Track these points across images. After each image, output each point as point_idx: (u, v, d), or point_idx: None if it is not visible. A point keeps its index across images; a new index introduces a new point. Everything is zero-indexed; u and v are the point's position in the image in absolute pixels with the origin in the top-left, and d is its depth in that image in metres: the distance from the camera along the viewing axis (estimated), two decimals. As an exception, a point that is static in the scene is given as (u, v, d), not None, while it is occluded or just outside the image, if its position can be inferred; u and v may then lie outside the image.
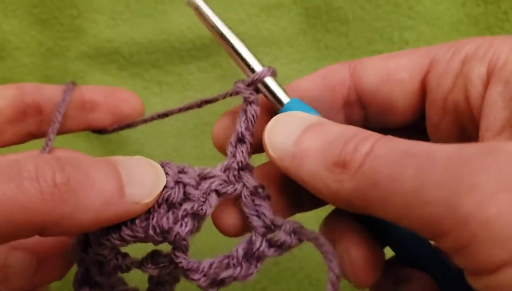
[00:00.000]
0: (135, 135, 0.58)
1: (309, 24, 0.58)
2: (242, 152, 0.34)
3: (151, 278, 0.35)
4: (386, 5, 0.56)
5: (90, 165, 0.29)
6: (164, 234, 0.31)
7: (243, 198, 0.33)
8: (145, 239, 0.31)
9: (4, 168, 0.27)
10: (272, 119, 0.32)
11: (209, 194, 0.32)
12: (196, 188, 0.32)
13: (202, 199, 0.32)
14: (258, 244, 0.31)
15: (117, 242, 0.31)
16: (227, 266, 0.31)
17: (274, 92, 0.35)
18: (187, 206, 0.31)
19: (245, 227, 0.34)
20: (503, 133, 0.29)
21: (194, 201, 0.32)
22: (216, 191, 0.33)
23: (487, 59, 0.31)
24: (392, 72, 0.35)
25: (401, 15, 0.56)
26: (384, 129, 0.37)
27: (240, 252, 0.32)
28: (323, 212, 0.35)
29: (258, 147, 0.35)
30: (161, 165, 0.32)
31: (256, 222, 0.33)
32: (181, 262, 0.31)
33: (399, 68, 0.34)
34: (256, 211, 0.33)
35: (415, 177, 0.25)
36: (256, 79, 0.35)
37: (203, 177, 0.33)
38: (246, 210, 0.33)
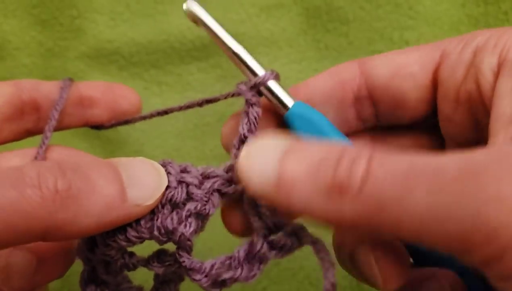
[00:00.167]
0: (135, 135, 0.58)
1: (309, 24, 0.58)
2: None
3: (156, 276, 0.35)
4: (387, 5, 0.56)
5: (91, 168, 0.29)
6: (169, 235, 0.31)
7: (245, 199, 0.33)
8: (151, 239, 0.32)
9: (7, 174, 0.27)
10: (243, 150, 0.29)
11: (211, 193, 0.32)
12: (199, 188, 0.32)
13: (205, 199, 0.32)
14: (259, 246, 0.31)
15: (124, 243, 0.31)
16: (229, 267, 0.31)
17: (278, 96, 0.35)
18: (190, 206, 0.31)
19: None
20: (511, 125, 0.28)
21: (197, 200, 0.32)
22: (219, 191, 0.33)
23: (498, 50, 0.30)
24: (403, 66, 0.34)
25: (401, 15, 0.56)
26: (394, 127, 0.37)
27: (242, 254, 0.31)
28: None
29: None
30: (162, 164, 0.32)
31: (257, 223, 0.32)
32: (184, 262, 0.31)
33: (410, 62, 0.34)
34: (258, 212, 0.33)
35: (427, 195, 0.24)
36: (259, 83, 0.35)
37: (205, 176, 0.33)
38: (248, 211, 0.33)
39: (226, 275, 0.31)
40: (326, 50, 0.58)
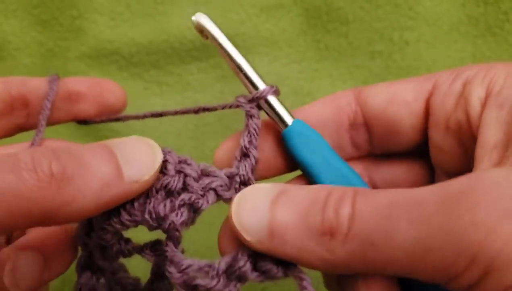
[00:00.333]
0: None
1: (309, 25, 0.58)
2: (246, 166, 0.34)
3: (153, 269, 0.36)
4: (386, 5, 0.56)
5: (84, 151, 0.29)
6: (159, 221, 0.31)
7: None
8: (142, 223, 0.32)
9: (3, 160, 0.27)
10: (235, 199, 0.30)
11: (208, 190, 0.32)
12: (197, 181, 0.32)
13: (201, 193, 0.32)
14: (241, 263, 0.30)
15: (118, 226, 0.31)
16: (206, 275, 0.30)
17: (278, 112, 0.35)
18: (185, 196, 0.32)
19: None
20: (495, 150, 0.30)
21: (192, 192, 0.32)
22: (215, 191, 0.33)
23: (486, 83, 0.32)
24: (397, 94, 0.35)
25: (401, 16, 0.56)
26: (387, 155, 0.38)
27: (222, 266, 0.30)
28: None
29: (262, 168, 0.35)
30: (163, 151, 0.33)
31: None
32: (167, 251, 0.31)
33: (405, 91, 0.35)
34: None
35: (411, 227, 0.25)
36: (258, 97, 0.35)
37: (205, 173, 0.33)
38: None
39: (200, 282, 0.30)
40: (326, 51, 0.58)
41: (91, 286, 0.35)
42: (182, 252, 0.32)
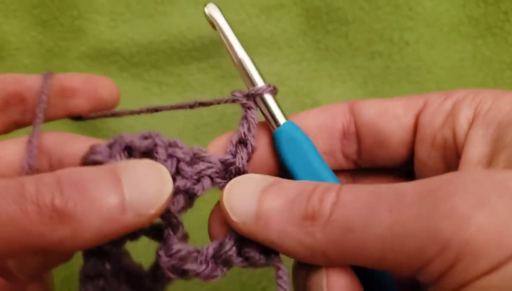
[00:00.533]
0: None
1: (309, 25, 0.58)
2: (242, 157, 0.34)
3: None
4: (386, 6, 0.56)
5: (91, 179, 0.29)
6: None
7: None
8: None
9: (9, 187, 0.28)
10: (228, 185, 0.32)
11: (203, 176, 0.32)
12: (190, 166, 0.32)
13: (195, 177, 0.32)
14: (227, 247, 0.31)
15: None
16: (194, 260, 0.31)
17: (272, 111, 0.36)
18: (180, 182, 0.32)
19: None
20: (478, 165, 0.32)
21: (186, 178, 0.32)
22: (211, 178, 0.33)
23: (475, 104, 0.34)
24: (389, 108, 0.37)
25: (401, 16, 0.56)
26: (374, 169, 0.39)
27: (210, 251, 0.31)
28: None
29: (254, 167, 0.36)
30: (148, 135, 0.32)
31: None
32: (164, 234, 0.32)
33: (396, 106, 0.37)
34: None
35: (389, 215, 0.26)
36: (254, 93, 0.36)
37: (198, 157, 0.33)
38: None
39: (189, 266, 0.30)
40: (326, 51, 0.58)
41: (97, 271, 0.34)
42: (186, 237, 0.33)
